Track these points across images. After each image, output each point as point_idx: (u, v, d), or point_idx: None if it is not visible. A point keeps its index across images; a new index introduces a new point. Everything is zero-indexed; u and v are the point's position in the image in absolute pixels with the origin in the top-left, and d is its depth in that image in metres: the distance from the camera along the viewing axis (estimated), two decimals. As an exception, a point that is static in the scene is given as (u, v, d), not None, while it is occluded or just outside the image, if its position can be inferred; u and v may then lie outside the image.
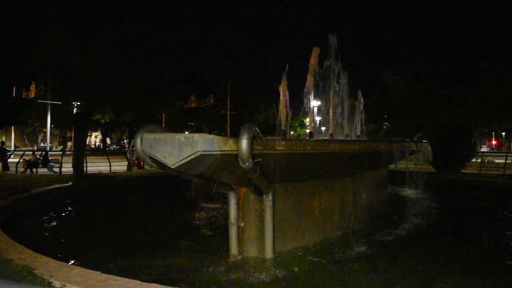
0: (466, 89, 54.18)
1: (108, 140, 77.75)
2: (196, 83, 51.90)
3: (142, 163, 23.00)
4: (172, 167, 5.12)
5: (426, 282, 6.03)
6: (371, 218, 10.11)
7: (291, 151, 6.02)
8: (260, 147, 5.53)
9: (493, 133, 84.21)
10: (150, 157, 5.51)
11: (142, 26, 18.89)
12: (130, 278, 4.86)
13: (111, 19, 18.15)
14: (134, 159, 23.85)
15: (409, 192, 15.21)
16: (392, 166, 19.33)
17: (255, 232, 7.12)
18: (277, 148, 5.83)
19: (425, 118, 50.99)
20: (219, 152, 5.15)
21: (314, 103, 20.51)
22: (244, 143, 5.18)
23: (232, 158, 5.37)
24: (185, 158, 4.99)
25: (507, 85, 51.72)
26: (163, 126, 42.79)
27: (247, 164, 5.32)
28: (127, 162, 24.95)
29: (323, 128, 19.93)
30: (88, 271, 5.14)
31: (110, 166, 22.56)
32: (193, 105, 55.06)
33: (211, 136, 5.05)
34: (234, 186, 7.00)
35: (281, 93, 12.58)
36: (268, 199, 6.81)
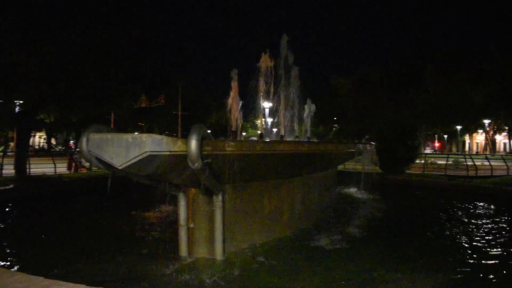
0: (411, 93, 56.44)
1: (53, 141, 74.80)
2: (146, 83, 50.97)
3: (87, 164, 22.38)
4: (119, 168, 5.02)
5: (374, 280, 6.20)
6: (319, 218, 10.33)
7: (240, 152, 6.06)
8: (210, 147, 5.54)
9: (436, 135, 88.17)
10: (97, 158, 5.38)
11: (90, 23, 18.37)
12: (75, 283, 4.72)
13: (59, 16, 17.53)
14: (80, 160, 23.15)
15: (356, 192, 15.65)
16: (340, 167, 19.84)
17: (205, 233, 7.10)
18: (227, 149, 5.85)
19: (372, 120, 52.63)
20: (168, 153, 5.11)
21: (266, 105, 20.74)
22: (194, 143, 5.17)
23: (181, 159, 5.34)
24: (133, 158, 4.92)
25: (449, 90, 54.35)
26: (112, 126, 41.75)
27: (196, 164, 5.31)
28: (72, 163, 24.12)
29: (275, 130, 20.16)
30: (31, 276, 4.93)
31: (55, 167, 21.77)
32: (143, 105, 53.93)
33: (159, 137, 5.01)
34: (184, 187, 6.96)
35: (231, 94, 12.63)
36: (218, 200, 6.82)
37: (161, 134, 5.29)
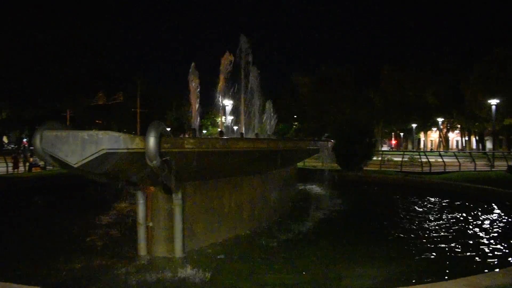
0: (369, 93, 57.85)
1: (5, 139, 71.86)
2: (104, 80, 49.86)
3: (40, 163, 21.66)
4: (75, 166, 4.91)
5: (331, 274, 6.33)
6: (279, 214, 10.42)
7: (200, 150, 6.04)
8: (168, 145, 5.49)
9: (393, 133, 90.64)
10: (51, 156, 5.23)
11: (45, 17, 17.80)
12: (30, 285, 4.58)
13: (12, 11, 16.89)
14: (31, 158, 22.32)
15: (315, 188, 15.89)
16: (300, 164, 20.09)
17: (164, 231, 7.03)
18: (186, 146, 5.82)
19: (332, 118, 53.55)
20: (125, 150, 5.04)
21: (226, 103, 20.71)
22: (152, 141, 5.11)
23: (139, 157, 5.27)
24: (89, 156, 4.81)
25: (404, 90, 56.06)
26: (68, 124, 40.57)
27: (154, 162, 5.26)
28: (19, 162, 23.13)
29: (235, 127, 20.19)
30: (-18, 280, 4.75)
31: (7, 167, 20.96)
32: (100, 102, 52.61)
33: (116, 134, 4.93)
34: (142, 185, 6.86)
35: (191, 92, 12.54)
36: (178, 198, 6.76)
37: (119, 132, 5.18)
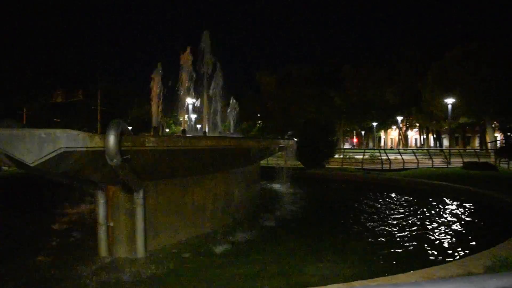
0: (331, 91, 58.76)
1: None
2: (63, 77, 48.48)
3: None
4: (32, 165, 4.76)
5: (294, 271, 6.41)
6: (244, 212, 10.46)
7: (161, 148, 5.99)
8: (129, 143, 5.42)
9: (355, 131, 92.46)
10: (6, 155, 5.05)
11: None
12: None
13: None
14: None
15: (279, 186, 16.03)
16: (264, 162, 20.20)
17: (126, 231, 6.93)
18: (147, 144, 5.76)
19: (295, 117, 54.04)
20: (84, 149, 4.94)
21: (189, 101, 20.56)
22: (112, 139, 5.03)
23: (98, 155, 5.17)
24: (46, 155, 4.68)
25: (365, 89, 57.27)
26: (24, 122, 39.23)
27: (115, 161, 5.18)
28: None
29: (199, 126, 20.07)
30: None
31: (-41, 167, 20.12)
32: (59, 100, 51.14)
33: (75, 132, 4.82)
34: (103, 184, 6.74)
35: (152, 90, 12.39)
36: (139, 197, 6.68)
37: (79, 130, 5.05)
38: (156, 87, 12.33)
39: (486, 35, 42.01)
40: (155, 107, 12.33)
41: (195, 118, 27.65)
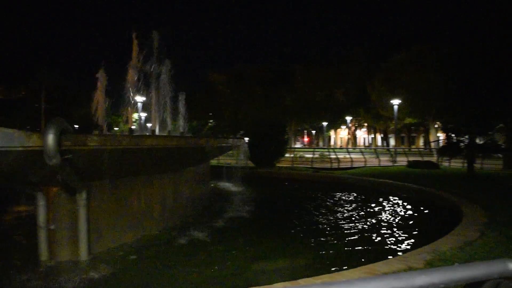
0: (282, 91, 59.35)
1: None
2: (3, 72, 46.18)
3: None
4: (-37, 166, 4.49)
5: (240, 269, 6.41)
6: (192, 213, 10.36)
7: (105, 147, 5.81)
8: (70, 142, 5.21)
9: (305, 131, 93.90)
10: None
11: None
12: None
13: None
14: None
15: (229, 186, 16.00)
16: (215, 162, 20.13)
17: (68, 234, 6.67)
18: (89, 143, 5.57)
19: (246, 116, 54.15)
20: (21, 148, 4.70)
21: (138, 99, 20.14)
22: (50, 138, 4.81)
23: (37, 155, 4.94)
24: (-22, 155, 4.43)
25: (315, 89, 58.28)
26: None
27: (54, 161, 4.96)
28: None
29: (149, 125, 19.69)
30: None
31: None
32: (-1, 96, 48.64)
33: (10, 130, 4.57)
34: (43, 185, 6.45)
35: (98, 87, 12.02)
36: (82, 198, 6.45)
37: (21, 129, 4.78)
38: (101, 85, 11.96)
39: (431, 39, 43.63)
40: (101, 105, 11.96)
41: (145, 117, 27.14)
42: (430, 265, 5.19)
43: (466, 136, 18.17)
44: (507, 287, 1.43)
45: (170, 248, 7.55)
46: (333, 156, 27.21)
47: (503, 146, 21.82)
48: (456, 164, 24.13)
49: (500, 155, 23.44)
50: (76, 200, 6.46)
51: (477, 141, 18.80)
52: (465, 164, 19.12)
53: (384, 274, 1.15)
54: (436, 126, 47.56)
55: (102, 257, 6.82)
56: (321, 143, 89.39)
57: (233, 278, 5.97)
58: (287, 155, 27.30)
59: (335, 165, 25.35)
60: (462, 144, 18.36)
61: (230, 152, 14.84)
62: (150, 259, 6.88)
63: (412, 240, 8.21)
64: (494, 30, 21.97)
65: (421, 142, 77.60)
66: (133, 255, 7.03)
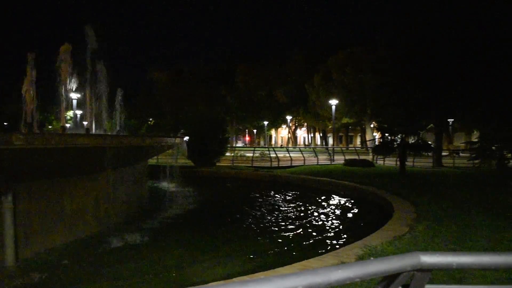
0: (224, 90, 59.38)
1: None
2: None
3: None
4: None
5: (175, 270, 6.33)
6: (128, 214, 10.11)
7: (32, 146, 5.52)
8: (-8, 141, 4.92)
9: (247, 130, 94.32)
10: None
11: None
12: None
13: None
14: None
15: (168, 185, 15.76)
16: (153, 161, 19.74)
17: (-8, 238, 6.30)
18: (15, 142, 5.26)
19: (187, 114, 53.56)
20: None
21: (73, 96, 19.40)
22: (-31, 137, 4.52)
23: (-45, 155, 4.62)
24: None
25: (256, 89, 58.79)
26: None
27: (-26, 161, 4.66)
28: None
29: (85, 123, 18.99)
30: None
31: None
32: None
33: None
34: (-37, 187, 6.05)
35: (25, 82, 11.43)
36: (8, 200, 6.11)
37: None
38: (29, 81, 11.37)
39: (369, 42, 45.14)
40: (29, 101, 11.37)
41: (80, 115, 26.18)
42: (362, 259, 5.39)
43: (399, 136, 18.98)
44: (420, 278, 1.50)
45: (104, 251, 7.32)
46: (273, 155, 27.49)
47: (432, 145, 22.99)
48: (390, 162, 25.22)
49: (430, 154, 24.70)
50: (2, 202, 6.10)
51: (410, 140, 19.70)
52: (398, 162, 19.97)
53: (301, 270, 1.20)
54: (372, 126, 49.38)
55: (30, 262, 6.50)
56: (262, 142, 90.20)
57: (165, 281, 5.88)
58: (228, 154, 27.28)
59: (275, 164, 25.63)
60: (395, 143, 19.16)
61: (170, 151, 14.59)
62: (82, 263, 6.63)
63: (347, 236, 8.49)
64: (426, 35, 23.10)
65: (358, 141, 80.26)
66: (65, 259, 6.75)
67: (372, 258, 5.48)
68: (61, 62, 11.95)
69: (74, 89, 13.93)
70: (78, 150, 6.62)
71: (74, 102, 20.91)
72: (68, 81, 12.50)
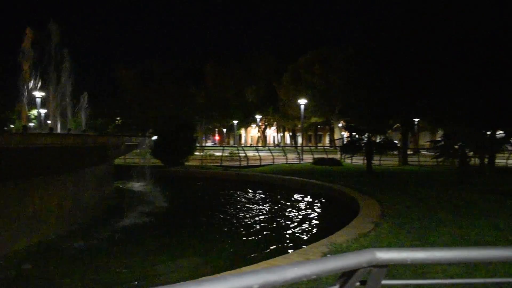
0: (193, 89, 59.01)
1: None
2: None
3: None
4: None
5: (144, 271, 6.26)
6: (94, 215, 9.92)
7: (-10, 146, 5.35)
8: None
9: (216, 129, 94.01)
10: None
11: None
12: None
13: None
14: None
15: (136, 185, 15.56)
16: (120, 161, 19.45)
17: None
18: (-28, 143, 5.10)
19: (156, 114, 52.96)
20: None
21: (37, 94, 18.87)
22: None
23: None
24: None
25: (226, 88, 58.71)
26: None
27: None
28: None
29: (49, 122, 18.52)
30: None
31: None
32: None
33: None
34: None
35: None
36: (-35, 202, 5.89)
37: None
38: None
39: (338, 42, 45.74)
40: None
41: (44, 113, 25.50)
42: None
43: (366, 135, 19.29)
44: (376, 274, 1.52)
45: (68, 253, 7.16)
46: (242, 154, 27.51)
47: (398, 144, 23.48)
48: (358, 161, 25.62)
49: (396, 152, 25.21)
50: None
51: (377, 139, 20.05)
52: (366, 161, 20.29)
53: (256, 269, 1.20)
54: (340, 125, 50.04)
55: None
56: (232, 142, 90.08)
57: (135, 282, 5.80)
58: (197, 153, 27.14)
59: (244, 163, 25.65)
60: (362, 142, 19.45)
61: (137, 150, 14.40)
62: (44, 267, 6.46)
63: (314, 234, 8.58)
64: (394, 35, 23.53)
65: (327, 140, 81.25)
66: (26, 263, 6.55)
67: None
68: (24, 52, 11.56)
69: (38, 87, 13.54)
70: (40, 150, 6.45)
71: (38, 100, 20.36)
72: (31, 78, 12.15)
